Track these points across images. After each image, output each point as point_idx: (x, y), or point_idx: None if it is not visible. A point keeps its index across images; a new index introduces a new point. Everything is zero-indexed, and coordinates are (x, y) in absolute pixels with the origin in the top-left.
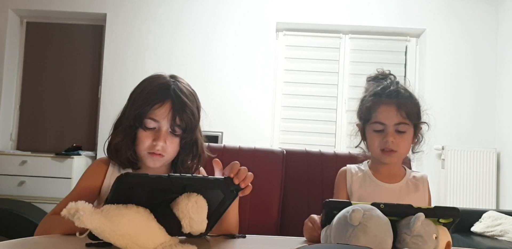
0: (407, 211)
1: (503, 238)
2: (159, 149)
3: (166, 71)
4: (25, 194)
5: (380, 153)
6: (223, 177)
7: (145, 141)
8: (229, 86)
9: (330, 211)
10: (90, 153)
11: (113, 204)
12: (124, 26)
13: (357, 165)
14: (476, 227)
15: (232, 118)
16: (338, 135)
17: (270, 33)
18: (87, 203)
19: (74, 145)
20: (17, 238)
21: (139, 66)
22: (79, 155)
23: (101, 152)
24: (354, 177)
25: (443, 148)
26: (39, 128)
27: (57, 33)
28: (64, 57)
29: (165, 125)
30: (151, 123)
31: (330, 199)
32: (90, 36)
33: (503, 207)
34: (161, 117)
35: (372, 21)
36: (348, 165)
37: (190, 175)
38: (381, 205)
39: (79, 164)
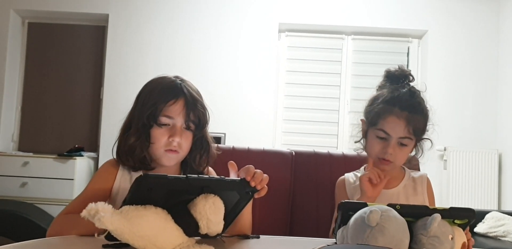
0: (423, 212)
1: (506, 239)
2: (175, 145)
3: (168, 73)
4: (28, 195)
5: (377, 160)
6: (239, 179)
7: (161, 138)
8: (231, 87)
9: (346, 212)
10: (93, 154)
11: (131, 205)
12: (126, 27)
13: (353, 172)
14: (479, 228)
15: (234, 120)
16: (340, 136)
17: (273, 34)
18: (106, 204)
19: (76, 146)
20: (19, 239)
21: (141, 67)
22: (82, 156)
23: (104, 153)
24: (352, 186)
25: (445, 149)
26: (41, 129)
27: (59, 34)
28: (66, 58)
29: (179, 121)
30: (165, 120)
31: (346, 200)
32: (92, 37)
33: (505, 207)
34: (176, 113)
35: (374, 22)
36: (345, 174)
37: (207, 176)
38: (397, 206)
39: (81, 165)
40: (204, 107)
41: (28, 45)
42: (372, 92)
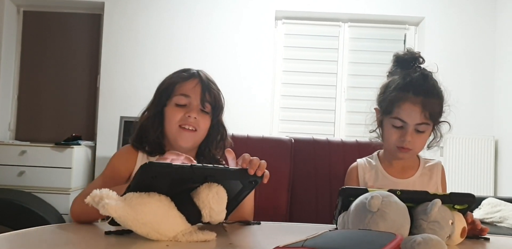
0: (423, 197)
1: (502, 225)
2: (192, 121)
3: (164, 61)
4: (25, 184)
5: (396, 148)
6: (243, 168)
7: (176, 114)
8: (228, 75)
9: (346, 198)
10: (90, 143)
11: (135, 191)
12: (122, 15)
13: (366, 159)
14: (476, 214)
15: (231, 108)
16: (337, 123)
17: (269, 21)
18: (111, 190)
19: (74, 134)
20: (17, 228)
21: (137, 55)
22: (79, 144)
23: (101, 142)
24: (367, 175)
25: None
26: (38, 117)
27: (54, 22)
28: (62, 46)
29: (195, 100)
30: (182, 100)
31: (346, 186)
32: (88, 25)
33: (501, 194)
34: (192, 91)
35: (371, 9)
36: (358, 160)
37: (211, 165)
38: (397, 192)
39: (79, 154)
40: (219, 90)
41: (23, 34)
42: (383, 80)
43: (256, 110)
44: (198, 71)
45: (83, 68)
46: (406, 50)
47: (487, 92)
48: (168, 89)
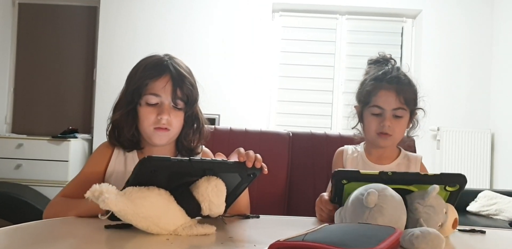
0: (414, 178)
1: (498, 217)
2: (164, 123)
3: (161, 53)
4: (22, 177)
5: (376, 136)
6: (241, 161)
7: (149, 116)
8: (225, 68)
9: (339, 180)
10: (87, 136)
11: (135, 186)
12: (118, 7)
13: (355, 145)
14: (472, 207)
15: (228, 101)
16: (334, 116)
17: (266, 14)
18: (110, 185)
19: (70, 127)
20: (15, 221)
21: (134, 47)
22: (76, 137)
23: (98, 135)
24: (349, 157)
25: (438, 129)
26: (34, 110)
27: (50, 15)
28: (58, 39)
29: (167, 99)
30: (153, 99)
31: (339, 169)
32: (84, 18)
33: (497, 186)
34: (162, 91)
35: (368, 2)
36: (346, 146)
37: (210, 159)
38: (389, 173)
39: (75, 146)
40: (192, 85)
41: (19, 26)
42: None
43: (253, 104)
44: (169, 63)
45: (79, 61)
46: (378, 54)
47: (484, 85)
48: (139, 88)
